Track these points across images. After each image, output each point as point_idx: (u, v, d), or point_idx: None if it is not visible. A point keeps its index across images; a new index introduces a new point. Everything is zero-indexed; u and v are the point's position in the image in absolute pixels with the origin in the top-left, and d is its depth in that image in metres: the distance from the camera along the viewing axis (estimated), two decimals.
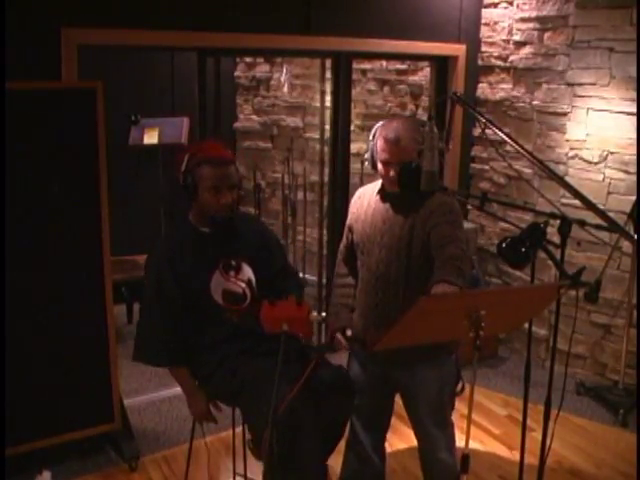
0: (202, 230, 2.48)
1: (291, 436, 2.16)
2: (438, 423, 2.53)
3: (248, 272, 2.47)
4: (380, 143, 2.35)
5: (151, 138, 6.03)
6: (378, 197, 2.47)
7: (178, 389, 3.91)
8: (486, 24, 4.57)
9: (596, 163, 3.97)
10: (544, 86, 4.23)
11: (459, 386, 2.58)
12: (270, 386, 1.96)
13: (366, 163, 2.47)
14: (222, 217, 2.42)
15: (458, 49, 4.50)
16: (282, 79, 5.88)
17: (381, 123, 2.44)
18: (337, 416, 2.43)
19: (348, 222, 2.57)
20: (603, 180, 3.95)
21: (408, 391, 2.55)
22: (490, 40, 4.56)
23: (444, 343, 2.40)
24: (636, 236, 3.34)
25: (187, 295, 2.42)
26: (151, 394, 3.94)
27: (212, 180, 2.37)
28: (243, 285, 2.43)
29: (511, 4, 4.40)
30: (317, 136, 4.83)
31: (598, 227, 2.11)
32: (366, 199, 2.52)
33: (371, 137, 2.43)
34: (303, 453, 2.23)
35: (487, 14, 4.57)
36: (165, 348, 2.45)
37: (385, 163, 2.35)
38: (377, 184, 2.51)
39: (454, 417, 2.64)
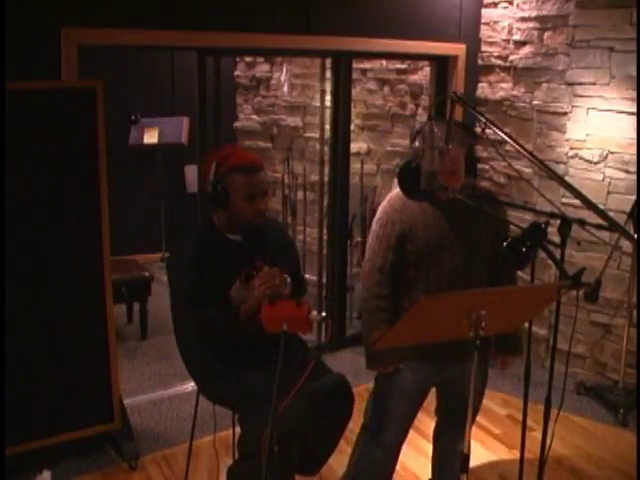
0: (231, 237, 2.42)
1: (290, 437, 2.17)
2: (475, 415, 2.59)
3: None
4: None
5: (151, 138, 6.05)
6: (427, 202, 2.38)
7: (178, 389, 3.96)
8: (486, 24, 4.57)
9: (596, 163, 3.97)
10: (544, 86, 4.23)
11: None
12: (268, 402, 1.95)
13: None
14: (255, 225, 2.37)
15: (458, 49, 4.50)
16: (282, 79, 5.88)
17: (419, 128, 2.38)
18: (337, 419, 2.43)
19: (396, 233, 2.41)
20: (603, 180, 3.95)
21: (456, 384, 2.52)
22: (490, 40, 4.56)
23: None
24: (636, 236, 3.34)
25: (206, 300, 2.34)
26: (151, 394, 3.94)
27: (246, 188, 2.30)
28: None
29: (511, 4, 4.40)
30: (317, 136, 4.82)
31: (598, 227, 2.10)
32: (414, 205, 2.39)
33: (416, 142, 2.37)
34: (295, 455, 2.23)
35: (487, 14, 4.56)
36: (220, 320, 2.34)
37: (448, 172, 2.28)
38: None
39: None
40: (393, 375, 2.50)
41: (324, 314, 2.21)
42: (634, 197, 3.65)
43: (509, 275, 2.57)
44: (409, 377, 2.49)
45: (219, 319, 2.32)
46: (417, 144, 2.36)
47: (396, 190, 2.51)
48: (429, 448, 2.90)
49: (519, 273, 4.34)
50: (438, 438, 2.73)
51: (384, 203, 2.50)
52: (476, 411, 2.61)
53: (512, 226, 2.38)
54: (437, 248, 2.38)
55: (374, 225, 2.50)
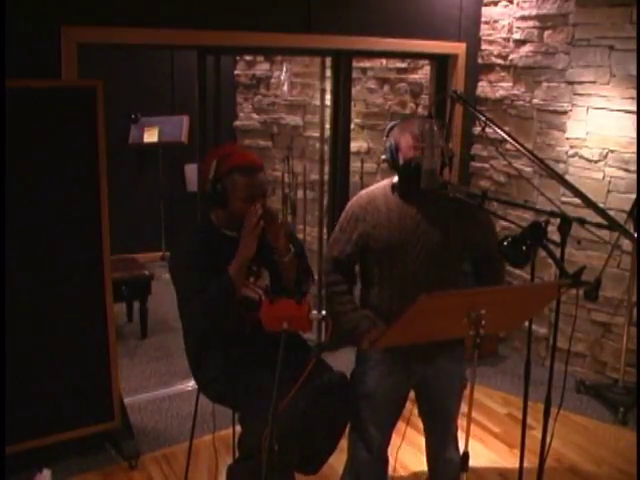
0: (228, 234, 2.41)
1: (290, 436, 2.17)
2: (454, 417, 2.57)
3: (267, 279, 2.43)
4: (408, 140, 2.29)
5: (151, 137, 6.05)
6: (398, 198, 2.37)
7: (178, 387, 3.96)
8: (486, 22, 4.57)
9: (596, 161, 3.97)
10: (544, 84, 4.22)
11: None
12: (269, 400, 1.96)
13: (384, 164, 2.41)
14: None
15: (458, 47, 4.50)
16: (282, 77, 5.88)
17: (395, 123, 2.40)
18: (337, 418, 2.43)
19: (359, 230, 2.40)
20: (603, 178, 3.95)
21: (431, 386, 2.52)
22: (490, 38, 4.56)
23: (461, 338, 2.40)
24: (636, 234, 3.34)
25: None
26: (151, 392, 3.94)
27: (246, 189, 2.30)
28: (260, 292, 2.39)
29: (511, 2, 4.40)
30: (317, 134, 4.83)
31: (598, 225, 2.10)
32: (381, 203, 2.38)
33: (389, 137, 2.36)
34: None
35: (487, 12, 4.56)
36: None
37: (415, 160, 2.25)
38: (385, 186, 2.42)
39: None
40: (365, 380, 2.49)
41: (324, 312, 2.21)
42: (634, 196, 3.65)
43: (497, 274, 2.51)
44: (379, 382, 2.47)
45: (219, 290, 2.28)
46: (391, 139, 2.35)
47: (366, 189, 2.51)
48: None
49: (519, 272, 4.37)
50: (427, 440, 2.71)
51: (354, 198, 2.50)
52: (449, 413, 2.57)
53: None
54: (401, 247, 2.34)
55: (342, 215, 2.50)
